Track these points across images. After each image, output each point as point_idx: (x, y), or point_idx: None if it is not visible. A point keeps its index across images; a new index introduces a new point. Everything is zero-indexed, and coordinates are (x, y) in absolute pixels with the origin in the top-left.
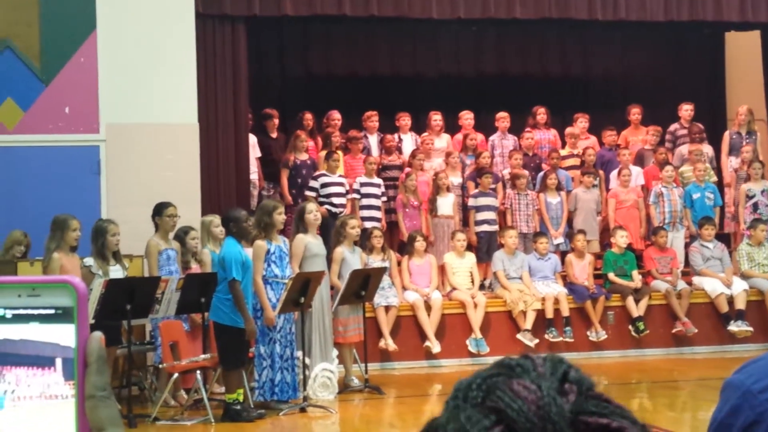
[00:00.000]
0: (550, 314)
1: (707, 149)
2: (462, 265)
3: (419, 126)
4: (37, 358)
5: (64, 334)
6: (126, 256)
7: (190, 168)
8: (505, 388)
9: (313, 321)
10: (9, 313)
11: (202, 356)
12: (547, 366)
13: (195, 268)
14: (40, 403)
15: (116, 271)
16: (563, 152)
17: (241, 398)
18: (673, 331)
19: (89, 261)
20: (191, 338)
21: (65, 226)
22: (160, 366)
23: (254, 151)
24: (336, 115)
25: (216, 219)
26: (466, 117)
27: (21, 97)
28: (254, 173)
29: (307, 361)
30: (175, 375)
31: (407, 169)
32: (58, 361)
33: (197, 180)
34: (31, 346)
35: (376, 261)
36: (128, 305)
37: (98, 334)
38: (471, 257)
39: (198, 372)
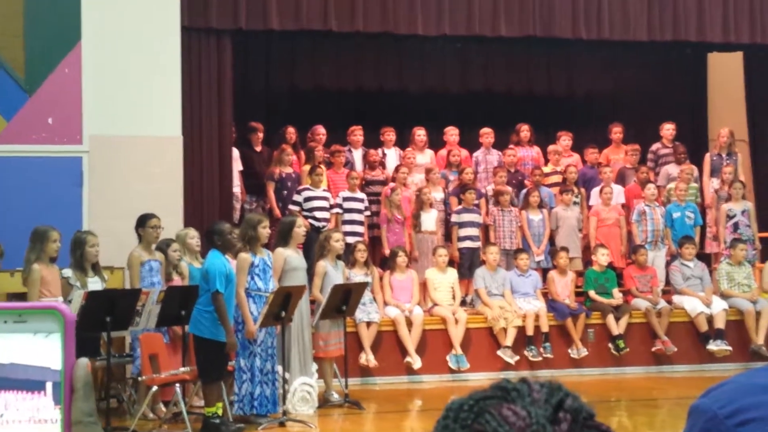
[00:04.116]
0: (530, 331)
1: (693, 169)
2: (444, 281)
3: (404, 141)
4: (27, 382)
5: (55, 359)
6: (108, 268)
7: (173, 180)
8: (495, 412)
9: (292, 335)
10: None
11: (182, 369)
12: (543, 392)
13: (176, 280)
14: (29, 428)
15: (95, 283)
16: (546, 169)
17: (220, 412)
18: (653, 349)
19: (67, 272)
20: (171, 351)
21: (45, 238)
22: (139, 378)
23: (236, 165)
24: (321, 130)
25: (191, 231)
26: (451, 133)
27: (4, 107)
28: (236, 186)
29: (286, 375)
30: (154, 388)
31: (391, 184)
32: (49, 386)
33: (180, 192)
34: (21, 370)
35: (358, 275)
36: (108, 317)
37: (84, 361)
38: (453, 273)
39: (177, 385)
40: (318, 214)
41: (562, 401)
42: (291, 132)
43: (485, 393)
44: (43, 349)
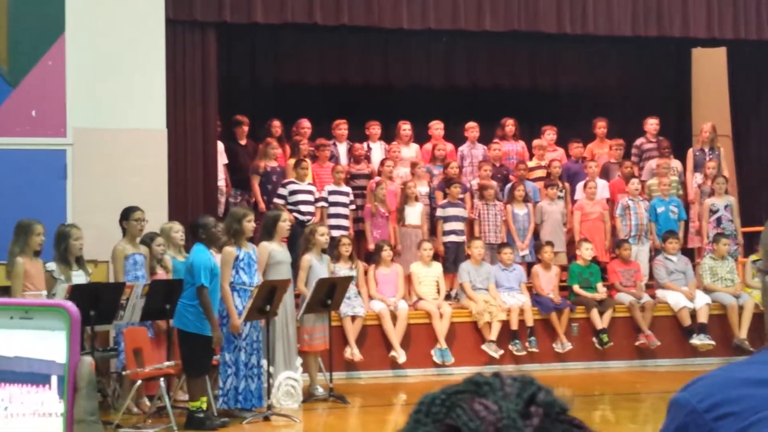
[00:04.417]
0: (514, 326)
1: (676, 164)
2: (428, 275)
3: (389, 135)
4: (32, 375)
5: (60, 353)
6: (91, 261)
7: (158, 174)
8: (467, 406)
9: (277, 329)
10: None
11: (166, 363)
12: (515, 386)
13: (161, 273)
14: (33, 421)
15: (78, 277)
16: (531, 164)
17: (204, 406)
18: (637, 343)
19: (51, 266)
20: (155, 345)
21: (29, 231)
22: (124, 373)
23: (221, 158)
24: (306, 124)
25: (176, 225)
26: (436, 127)
27: None
28: (221, 180)
29: (271, 369)
30: (139, 382)
31: (377, 178)
32: (54, 379)
33: (164, 186)
34: (25, 363)
35: (343, 269)
36: (92, 311)
37: (88, 359)
38: (437, 267)
39: (161, 379)
40: (303, 207)
41: (534, 395)
42: (276, 125)
43: (457, 387)
44: (49, 343)
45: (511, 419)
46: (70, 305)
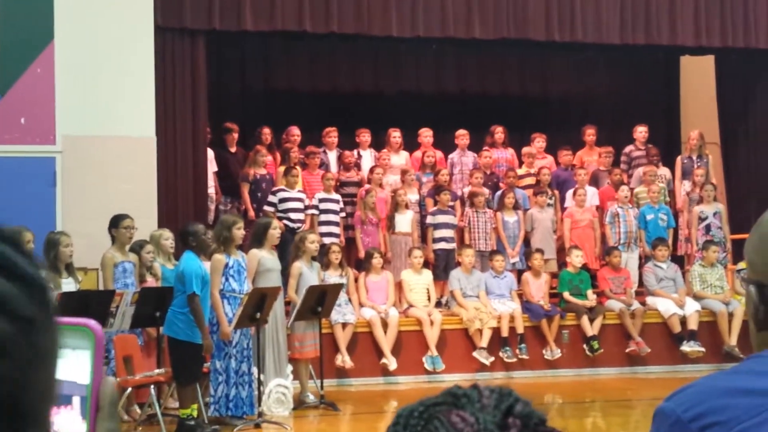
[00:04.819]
0: (505, 333)
1: (664, 171)
2: (419, 282)
3: (379, 142)
4: None
5: (81, 373)
6: (81, 269)
7: (148, 181)
8: (444, 418)
9: (267, 336)
10: None
11: (156, 371)
12: (493, 398)
13: (150, 281)
14: None
15: (68, 284)
16: (520, 171)
17: (195, 413)
18: (627, 350)
19: None
20: (145, 352)
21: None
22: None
23: (211, 166)
24: (295, 131)
25: (165, 232)
26: (425, 134)
27: None
28: (211, 187)
29: (261, 377)
30: (129, 389)
31: (367, 186)
32: (76, 400)
33: (154, 193)
34: None
35: (333, 277)
36: None
37: (112, 380)
38: (428, 274)
39: (152, 387)
40: (293, 215)
41: (511, 407)
42: (266, 133)
43: (435, 399)
44: (70, 363)
45: (488, 431)
46: (94, 324)
